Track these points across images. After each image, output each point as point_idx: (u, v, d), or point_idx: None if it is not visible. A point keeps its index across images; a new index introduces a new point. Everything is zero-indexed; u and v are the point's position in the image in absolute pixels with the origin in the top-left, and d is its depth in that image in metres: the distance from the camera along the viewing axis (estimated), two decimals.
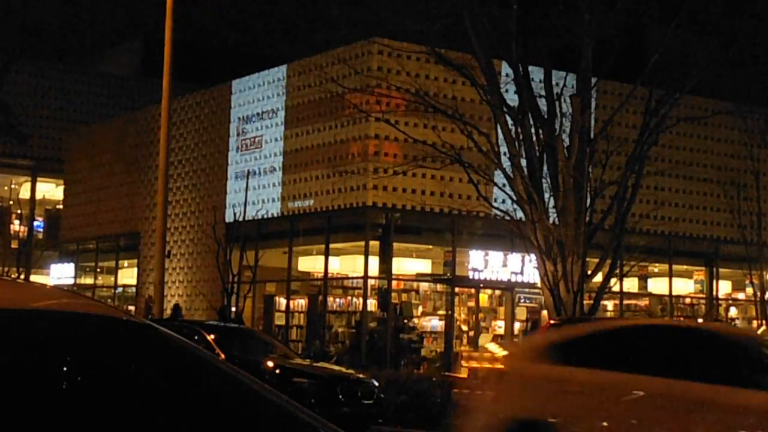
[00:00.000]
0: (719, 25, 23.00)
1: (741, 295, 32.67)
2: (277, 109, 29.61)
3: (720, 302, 32.58)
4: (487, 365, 11.94)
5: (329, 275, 28.11)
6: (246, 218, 27.90)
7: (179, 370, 2.88)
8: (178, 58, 22.68)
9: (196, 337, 17.39)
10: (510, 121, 20.60)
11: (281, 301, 29.98)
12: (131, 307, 33.58)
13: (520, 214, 20.87)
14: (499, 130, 20.91)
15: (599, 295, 21.36)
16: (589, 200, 20.36)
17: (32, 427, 2.42)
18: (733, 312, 32.82)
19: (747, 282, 28.50)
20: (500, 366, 11.71)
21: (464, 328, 28.53)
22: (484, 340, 28.19)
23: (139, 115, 37.31)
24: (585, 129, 20.37)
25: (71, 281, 38.30)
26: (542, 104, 20.74)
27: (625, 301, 30.83)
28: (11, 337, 2.65)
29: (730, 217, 27.92)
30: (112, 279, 37.77)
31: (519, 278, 27.48)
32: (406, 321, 27.73)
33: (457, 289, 27.99)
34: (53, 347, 2.69)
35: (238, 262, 26.61)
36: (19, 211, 45.50)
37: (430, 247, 28.61)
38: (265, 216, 29.05)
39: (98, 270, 38.70)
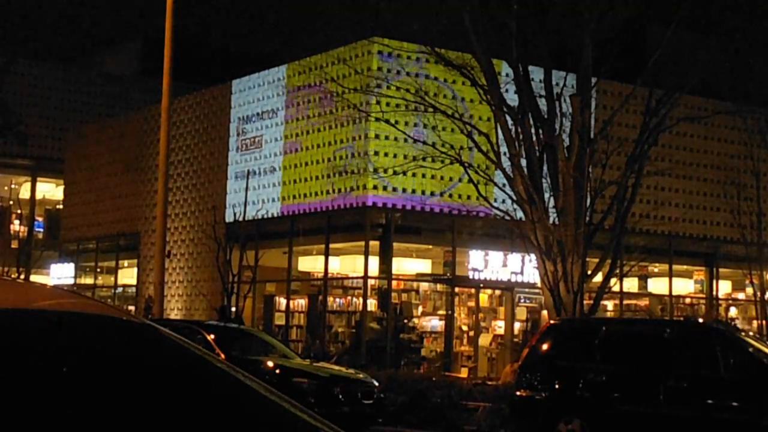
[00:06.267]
0: (719, 25, 23.01)
1: (741, 295, 32.66)
2: (277, 109, 29.61)
3: (720, 302, 32.58)
4: None
5: (329, 275, 28.11)
6: (246, 218, 27.89)
7: (179, 370, 2.88)
8: (178, 58, 22.67)
9: (198, 337, 17.39)
10: (510, 121, 20.61)
11: (281, 301, 29.98)
12: (131, 307, 33.57)
13: (520, 214, 20.88)
14: (499, 130, 20.92)
15: (599, 295, 21.37)
16: (589, 200, 20.36)
17: (32, 427, 2.42)
18: (733, 312, 32.82)
19: (747, 282, 28.48)
20: None
21: (464, 328, 28.52)
22: (484, 340, 28.21)
23: (139, 115, 37.30)
24: (585, 129, 20.38)
25: (71, 281, 38.28)
26: (542, 104, 20.74)
27: (625, 301, 30.82)
28: (11, 337, 2.65)
29: (730, 217, 27.90)
30: (112, 279, 37.77)
31: (519, 278, 27.47)
32: (406, 321, 27.73)
33: (457, 289, 27.98)
34: (53, 347, 2.69)
35: (238, 262, 26.60)
36: (19, 211, 45.50)
37: (430, 247, 28.60)
38: (265, 216, 29.05)
39: (98, 270, 38.69)
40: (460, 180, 25.17)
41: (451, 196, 25.95)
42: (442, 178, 25.55)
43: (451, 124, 22.38)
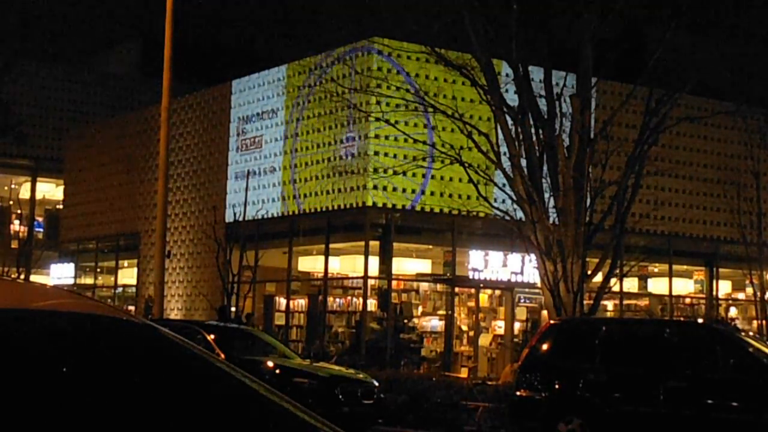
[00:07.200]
0: (719, 24, 23.00)
1: (741, 295, 32.66)
2: (277, 109, 29.61)
3: (720, 302, 32.57)
4: None
5: (329, 275, 28.11)
6: (246, 218, 27.89)
7: (179, 371, 2.88)
8: (178, 58, 22.67)
9: (198, 337, 17.40)
10: (510, 121, 20.60)
11: (281, 301, 29.98)
12: (131, 307, 33.57)
13: (520, 214, 20.87)
14: (499, 130, 20.91)
15: (599, 295, 21.35)
16: (589, 200, 20.35)
17: (32, 428, 2.42)
18: (733, 312, 32.81)
19: (747, 282, 28.48)
20: None
21: (464, 328, 28.52)
22: (484, 340, 28.21)
23: (139, 115, 37.30)
24: (585, 129, 20.37)
25: (71, 281, 38.28)
26: (542, 104, 20.74)
27: (625, 301, 30.82)
28: (11, 337, 2.65)
29: (730, 217, 27.91)
30: (112, 279, 37.77)
31: (519, 278, 27.46)
32: (406, 321, 27.73)
33: (457, 289, 27.98)
34: (53, 347, 2.69)
35: (238, 262, 26.60)
36: (19, 211, 45.48)
37: (430, 247, 28.60)
38: (265, 216, 29.05)
39: (98, 270, 38.69)
40: (460, 180, 25.14)
41: (451, 196, 25.91)
42: (442, 178, 25.56)
43: (451, 124, 22.38)
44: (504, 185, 21.07)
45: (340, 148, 26.92)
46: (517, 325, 28.66)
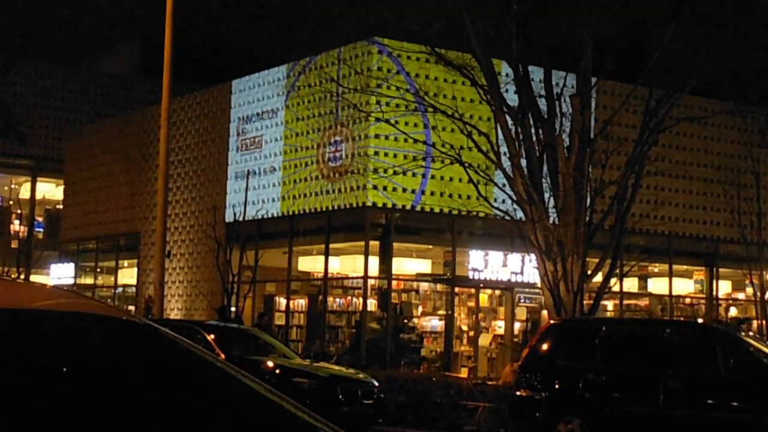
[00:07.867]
0: (720, 24, 22.99)
1: (741, 295, 32.66)
2: (277, 109, 29.61)
3: (720, 302, 32.57)
4: None
5: (329, 275, 28.10)
6: (246, 218, 27.89)
7: (179, 370, 2.89)
8: (178, 58, 22.68)
9: (198, 337, 17.40)
10: (510, 121, 20.61)
11: (281, 301, 29.98)
12: (131, 307, 33.57)
13: (520, 214, 20.88)
14: (499, 130, 20.92)
15: (599, 295, 21.36)
16: (589, 200, 20.36)
17: (32, 427, 2.42)
18: (733, 312, 32.81)
19: (747, 282, 28.48)
20: None
21: (464, 328, 28.52)
22: (484, 340, 28.21)
23: (139, 115, 37.30)
24: (585, 129, 20.38)
25: (71, 281, 38.28)
26: (542, 104, 20.74)
27: (625, 301, 30.82)
28: (11, 337, 2.65)
29: (730, 217, 27.90)
30: (112, 279, 37.77)
31: (519, 278, 27.46)
32: (406, 321, 27.73)
33: (457, 289, 27.98)
34: (53, 347, 2.69)
35: (238, 262, 26.60)
36: (19, 211, 45.49)
37: (430, 247, 28.59)
38: (265, 216, 29.05)
39: (98, 270, 38.69)
40: (460, 180, 25.13)
41: (451, 196, 25.92)
42: (442, 178, 25.57)
43: (451, 124, 22.39)
44: (504, 185, 21.07)
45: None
46: (517, 325, 28.66)
